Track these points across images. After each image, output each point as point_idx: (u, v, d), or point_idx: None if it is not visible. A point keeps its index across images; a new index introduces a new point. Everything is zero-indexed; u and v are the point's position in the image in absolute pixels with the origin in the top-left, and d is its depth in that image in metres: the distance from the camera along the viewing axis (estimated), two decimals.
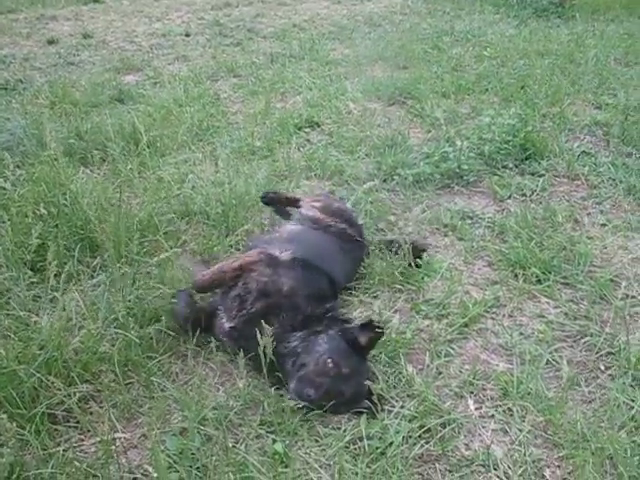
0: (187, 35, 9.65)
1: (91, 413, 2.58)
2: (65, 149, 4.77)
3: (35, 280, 3.34)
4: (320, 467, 2.32)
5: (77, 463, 2.30)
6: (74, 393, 2.53)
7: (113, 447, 2.34)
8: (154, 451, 2.31)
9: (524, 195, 4.44)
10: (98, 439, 2.43)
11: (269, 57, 8.14)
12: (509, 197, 4.42)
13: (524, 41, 8.33)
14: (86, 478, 2.28)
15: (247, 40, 9.23)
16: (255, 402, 2.63)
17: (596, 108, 6.06)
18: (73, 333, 2.87)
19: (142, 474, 2.34)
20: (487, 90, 6.52)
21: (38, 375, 2.55)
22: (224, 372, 2.83)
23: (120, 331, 2.86)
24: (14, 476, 2.20)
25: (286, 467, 2.30)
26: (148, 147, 4.85)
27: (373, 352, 2.83)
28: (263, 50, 8.56)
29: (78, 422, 2.55)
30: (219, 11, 11.32)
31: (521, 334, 3.05)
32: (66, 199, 3.81)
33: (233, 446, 2.39)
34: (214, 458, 2.30)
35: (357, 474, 2.26)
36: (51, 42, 9.55)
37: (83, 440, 2.51)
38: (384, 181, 4.62)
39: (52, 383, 2.51)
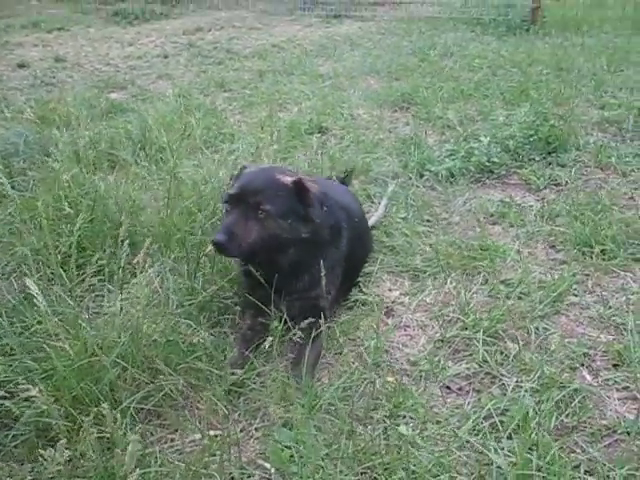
0: (165, 57, 9.41)
1: (178, 409, 2.31)
2: (69, 156, 4.46)
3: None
4: (458, 448, 2.08)
5: (180, 463, 2.02)
6: (161, 387, 2.24)
7: (223, 443, 2.06)
8: (269, 444, 2.06)
9: (559, 184, 4.35)
10: (198, 436, 2.17)
11: (257, 73, 7.96)
12: (545, 187, 4.32)
13: (508, 53, 8.36)
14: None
15: (229, 60, 9.02)
16: (366, 385, 2.42)
17: (600, 108, 6.01)
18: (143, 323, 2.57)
19: (255, 469, 2.07)
20: (487, 96, 6.43)
21: (120, 364, 2.26)
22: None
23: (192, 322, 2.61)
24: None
25: (416, 450, 2.06)
26: (160, 152, 4.64)
27: (470, 332, 2.65)
28: (248, 68, 8.37)
29: (165, 420, 2.28)
30: (191, 35, 11.10)
31: (610, 307, 2.91)
32: (91, 199, 3.54)
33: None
34: (339, 445, 2.04)
35: (501, 449, 2.04)
36: (22, 66, 9.14)
37: (174, 440, 2.23)
38: (410, 177, 4.45)
39: (133, 377, 2.24)
